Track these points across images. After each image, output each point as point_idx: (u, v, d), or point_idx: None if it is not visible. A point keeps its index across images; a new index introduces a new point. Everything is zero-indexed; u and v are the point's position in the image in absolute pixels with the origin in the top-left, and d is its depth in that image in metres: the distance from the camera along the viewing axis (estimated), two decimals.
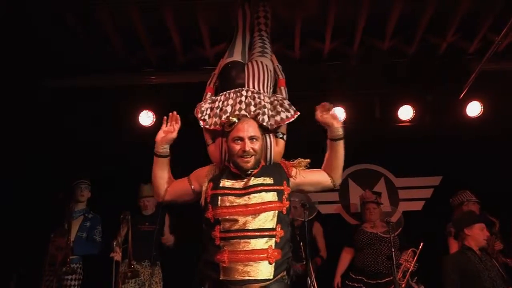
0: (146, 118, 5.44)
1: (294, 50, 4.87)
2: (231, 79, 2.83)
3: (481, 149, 5.41)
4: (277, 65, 3.03)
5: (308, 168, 2.55)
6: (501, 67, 5.04)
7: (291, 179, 2.46)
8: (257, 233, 2.24)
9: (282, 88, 2.91)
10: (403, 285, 3.97)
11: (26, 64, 4.79)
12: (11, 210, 4.80)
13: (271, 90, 2.89)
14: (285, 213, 2.35)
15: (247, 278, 2.18)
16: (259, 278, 2.19)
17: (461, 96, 5.14)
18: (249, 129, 2.39)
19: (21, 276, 4.77)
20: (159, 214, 4.65)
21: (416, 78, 5.21)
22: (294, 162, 2.54)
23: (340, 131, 2.47)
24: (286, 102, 2.71)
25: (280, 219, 2.30)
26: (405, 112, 5.48)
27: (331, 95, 5.37)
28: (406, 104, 5.47)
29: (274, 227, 2.28)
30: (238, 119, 2.43)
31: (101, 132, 5.40)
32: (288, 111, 2.63)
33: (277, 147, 2.61)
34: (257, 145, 2.39)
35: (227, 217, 2.28)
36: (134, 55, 5.02)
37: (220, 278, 2.23)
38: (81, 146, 5.38)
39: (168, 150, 2.56)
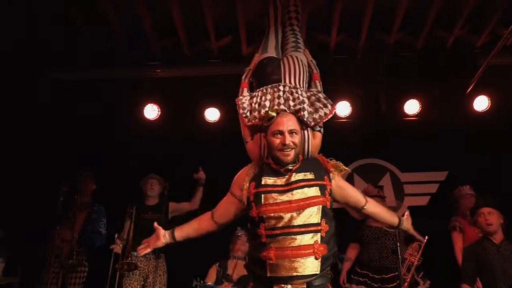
0: (151, 111, 5.47)
1: None
2: (267, 75, 2.83)
3: (488, 143, 5.36)
4: (311, 60, 3.03)
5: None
6: (509, 61, 4.99)
7: (332, 178, 2.45)
8: (303, 229, 2.24)
9: (317, 82, 2.92)
10: (408, 280, 3.95)
11: (31, 58, 4.81)
12: (16, 203, 4.83)
13: (307, 84, 2.89)
14: (329, 207, 2.35)
15: (294, 274, 2.19)
16: (306, 273, 2.20)
17: (468, 90, 5.09)
18: (289, 122, 2.39)
19: (27, 269, 4.80)
20: (163, 204, 4.65)
21: (423, 72, 5.16)
22: (332, 161, 2.53)
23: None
24: (322, 96, 2.71)
25: (324, 214, 2.30)
26: (412, 106, 5.45)
27: (337, 89, 5.36)
28: (413, 98, 5.43)
29: (319, 222, 2.27)
30: (277, 113, 2.43)
31: (106, 125, 5.42)
32: (326, 106, 2.63)
33: (314, 140, 2.61)
34: (296, 139, 2.39)
35: (272, 214, 2.28)
36: (139, 48, 5.01)
37: (267, 275, 2.24)
38: (86, 139, 5.40)
39: (167, 239, 2.65)
